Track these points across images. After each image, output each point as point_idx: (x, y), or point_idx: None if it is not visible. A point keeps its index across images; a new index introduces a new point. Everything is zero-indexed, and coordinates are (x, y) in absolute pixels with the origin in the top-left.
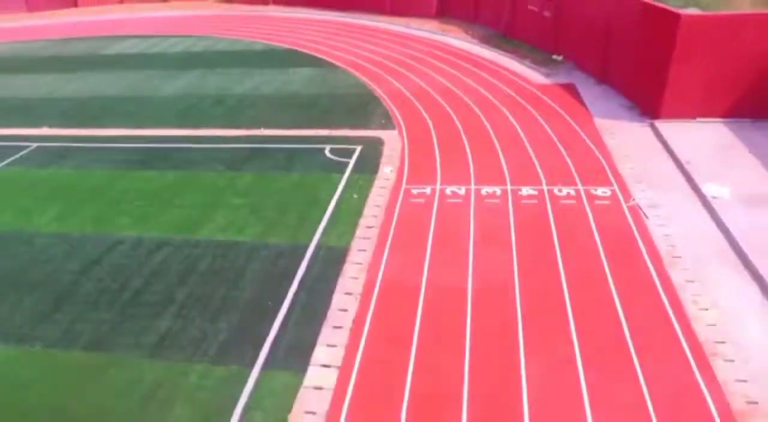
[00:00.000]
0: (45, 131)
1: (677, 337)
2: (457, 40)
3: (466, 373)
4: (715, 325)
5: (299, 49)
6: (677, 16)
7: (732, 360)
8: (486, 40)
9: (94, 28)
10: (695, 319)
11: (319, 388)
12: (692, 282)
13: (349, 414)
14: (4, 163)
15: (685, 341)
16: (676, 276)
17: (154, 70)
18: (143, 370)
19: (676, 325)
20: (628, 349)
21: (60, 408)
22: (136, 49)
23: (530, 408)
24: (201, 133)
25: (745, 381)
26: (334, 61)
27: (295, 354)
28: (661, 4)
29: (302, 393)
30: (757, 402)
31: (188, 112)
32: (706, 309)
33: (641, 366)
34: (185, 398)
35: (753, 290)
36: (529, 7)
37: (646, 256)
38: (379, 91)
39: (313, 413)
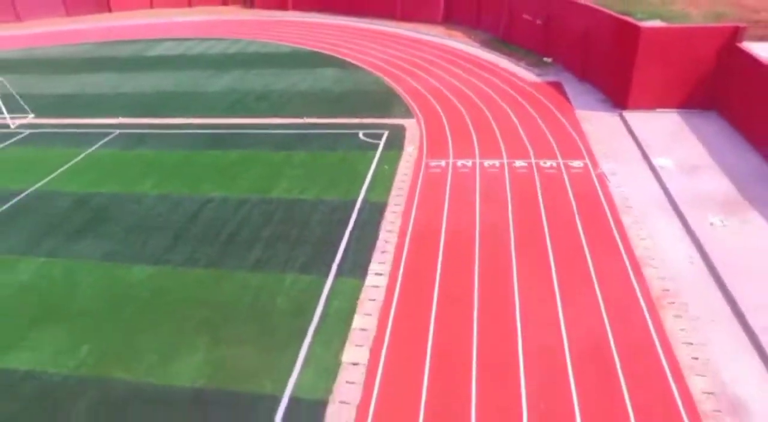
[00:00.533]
0: (121, 120)
1: (621, 254)
2: (461, 43)
3: (476, 281)
4: (648, 248)
5: (322, 51)
6: (638, 29)
7: (656, 267)
8: (486, 44)
9: (131, 32)
10: (636, 246)
11: (376, 286)
12: (637, 222)
13: (398, 301)
14: (96, 146)
15: (626, 257)
16: (626, 219)
17: (198, 71)
18: (249, 280)
19: (621, 248)
20: (586, 258)
21: (198, 300)
22: (175, 51)
23: (520, 299)
24: (252, 122)
25: (663, 278)
26: (354, 62)
27: (356, 268)
28: (626, 18)
29: (364, 289)
30: (668, 290)
31: (236, 105)
32: (644, 239)
33: (595, 268)
34: (284, 294)
35: (678, 227)
36: (524, 16)
37: (605, 207)
38: (397, 88)
39: (373, 300)
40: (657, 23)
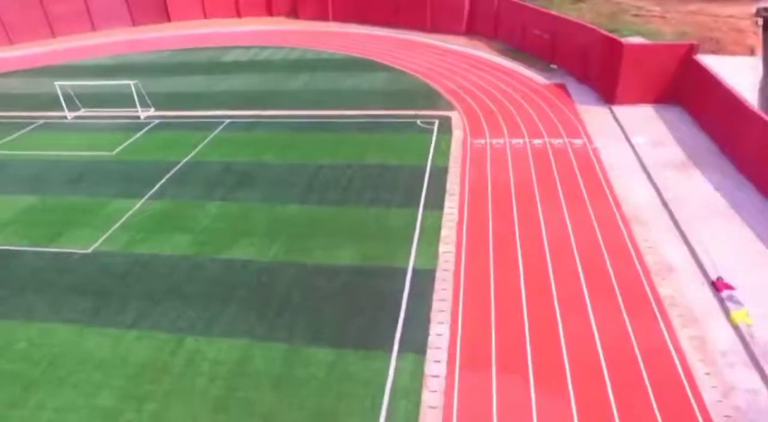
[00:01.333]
0: (227, 112)
1: (607, 197)
2: (483, 52)
3: (515, 213)
4: (625, 192)
5: (368, 57)
6: (622, 45)
7: (630, 204)
8: (503, 52)
9: (198, 40)
10: (618, 192)
11: (451, 214)
12: (619, 178)
13: (467, 222)
14: (216, 130)
15: (611, 199)
16: (612, 176)
17: (272, 73)
18: (367, 212)
19: (608, 193)
20: (584, 199)
21: (336, 222)
22: (245, 58)
23: (545, 221)
24: (331, 113)
25: (634, 208)
26: (397, 67)
27: (435, 205)
28: (614, 36)
29: (443, 216)
30: (637, 215)
31: (315, 100)
32: (623, 187)
33: (591, 204)
34: (393, 218)
35: (645, 179)
36: (535, 31)
37: (597, 168)
38: (437, 87)
39: (451, 221)
40: (637, 39)
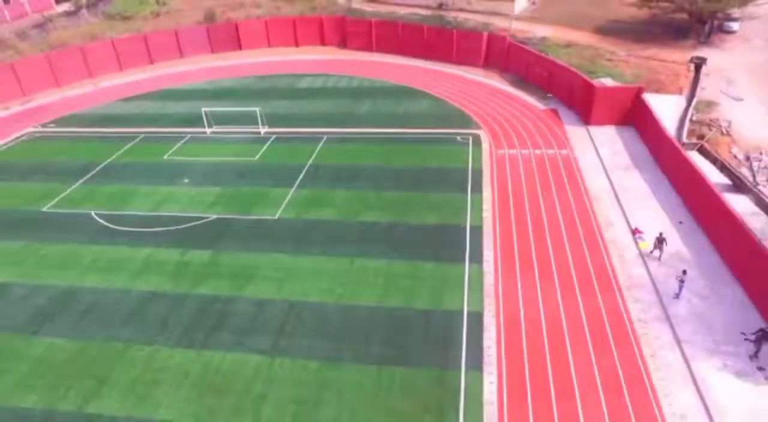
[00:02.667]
0: (321, 129)
1: (581, 187)
2: (496, 82)
3: (525, 192)
4: (591, 184)
5: (412, 85)
6: (594, 86)
7: (594, 191)
8: (513, 83)
9: (272, 68)
10: (588, 184)
11: (488, 197)
12: (588, 173)
13: (498, 202)
14: (320, 143)
15: (583, 188)
16: (584, 173)
17: (343, 99)
18: (436, 196)
19: (581, 184)
20: (566, 189)
21: (415, 202)
22: (317, 84)
23: (543, 200)
24: (395, 130)
25: (596, 194)
26: (434, 93)
27: (475, 191)
28: (588, 78)
29: (483, 198)
30: (598, 197)
31: (381, 121)
32: (591, 181)
33: (571, 192)
34: (450, 201)
35: (605, 176)
36: (535, 68)
37: (575, 169)
38: (466, 111)
39: (485, 203)
40: (607, 80)
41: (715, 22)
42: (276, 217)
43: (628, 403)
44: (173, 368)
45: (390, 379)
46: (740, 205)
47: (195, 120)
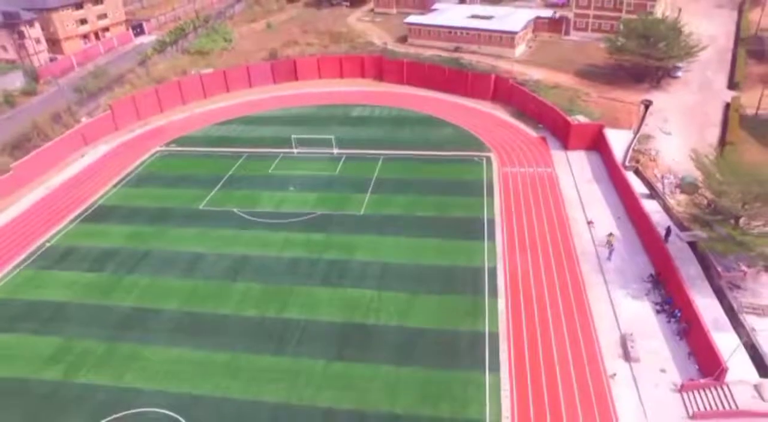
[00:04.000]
0: (377, 151)
1: (558, 194)
2: (500, 113)
3: (521, 200)
4: (567, 193)
5: (438, 115)
6: (570, 123)
7: (565, 197)
8: (514, 115)
9: (329, 98)
10: (564, 193)
11: (498, 200)
12: (563, 187)
13: (504, 204)
14: (380, 160)
15: (560, 195)
16: (560, 186)
17: (387, 126)
18: (462, 199)
19: (559, 192)
20: (548, 194)
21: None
22: (365, 113)
23: (534, 206)
24: (428, 152)
25: (569, 198)
26: (455, 122)
27: (489, 195)
28: (567, 116)
29: (495, 200)
30: (571, 200)
31: (418, 144)
32: (565, 191)
33: (551, 195)
34: (472, 203)
35: (574, 187)
36: (530, 106)
37: (555, 183)
38: (480, 137)
39: (494, 205)
40: (580, 117)
41: (662, 71)
42: (361, 213)
43: (575, 311)
44: (323, 298)
45: (451, 302)
46: (651, 207)
47: (282, 141)
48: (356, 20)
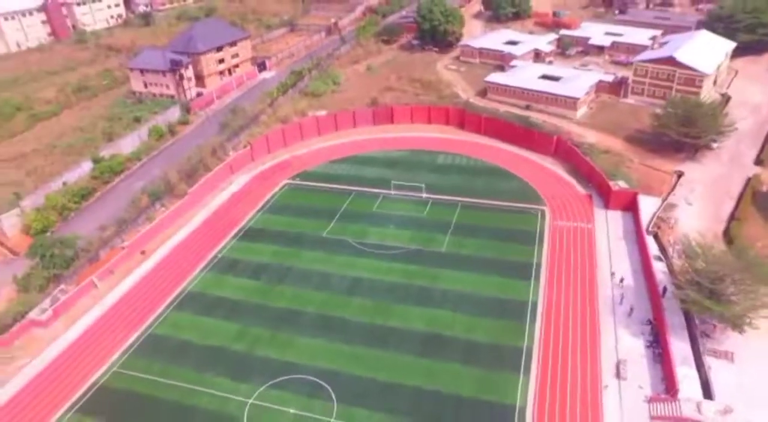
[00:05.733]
0: (455, 197)
1: (593, 244)
2: (558, 169)
3: (567, 245)
4: (599, 243)
5: (507, 168)
6: (611, 188)
7: (599, 246)
8: (569, 172)
9: (417, 143)
10: (596, 242)
11: (546, 246)
12: (599, 239)
13: (549, 249)
14: (458, 208)
15: (594, 244)
16: (597, 238)
17: (464, 175)
18: (519, 247)
19: (594, 242)
20: (586, 242)
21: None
22: (448, 161)
23: (573, 247)
24: (496, 202)
25: (600, 246)
26: (519, 174)
27: (540, 242)
28: (609, 180)
29: (544, 247)
30: (597, 248)
31: (490, 193)
32: (599, 242)
33: (588, 244)
34: (527, 249)
35: (606, 240)
36: (583, 167)
37: (594, 235)
38: (538, 191)
39: (547, 249)
40: (621, 183)
41: (700, 142)
42: (443, 251)
43: (588, 338)
44: (415, 313)
45: (504, 324)
46: (659, 266)
47: (382, 182)
48: (443, 68)
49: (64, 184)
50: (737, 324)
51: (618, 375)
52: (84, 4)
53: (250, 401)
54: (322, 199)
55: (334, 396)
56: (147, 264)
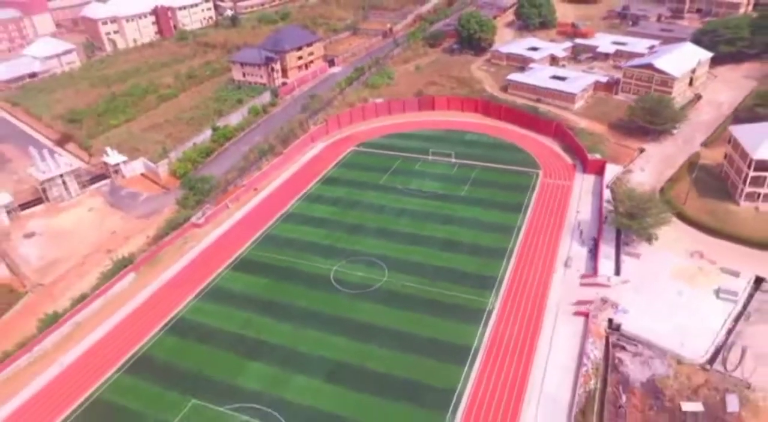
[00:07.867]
0: (476, 162)
1: (568, 196)
2: (555, 146)
3: (553, 201)
4: (574, 196)
5: (518, 144)
6: (587, 158)
7: (573, 197)
8: (563, 148)
9: (451, 125)
10: (571, 195)
11: (536, 192)
12: (574, 193)
13: (537, 196)
14: (476, 169)
15: (569, 196)
16: (572, 193)
17: (483, 148)
18: (514, 194)
19: (569, 195)
20: (565, 195)
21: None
22: (473, 139)
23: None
24: (507, 167)
25: (574, 199)
26: (526, 149)
27: (532, 192)
28: (588, 154)
29: (534, 194)
30: (571, 199)
31: (502, 161)
32: (574, 196)
33: (563, 197)
34: (519, 195)
35: (579, 194)
36: (572, 143)
37: (570, 190)
38: (538, 160)
39: (535, 195)
40: (596, 155)
41: (660, 128)
42: (462, 195)
43: (551, 248)
44: (441, 229)
45: (485, 254)
46: (608, 206)
47: (422, 150)
48: (476, 68)
49: (194, 144)
50: (645, 235)
51: (566, 264)
52: (185, 8)
53: (334, 268)
54: (378, 161)
55: (385, 267)
56: (259, 196)
